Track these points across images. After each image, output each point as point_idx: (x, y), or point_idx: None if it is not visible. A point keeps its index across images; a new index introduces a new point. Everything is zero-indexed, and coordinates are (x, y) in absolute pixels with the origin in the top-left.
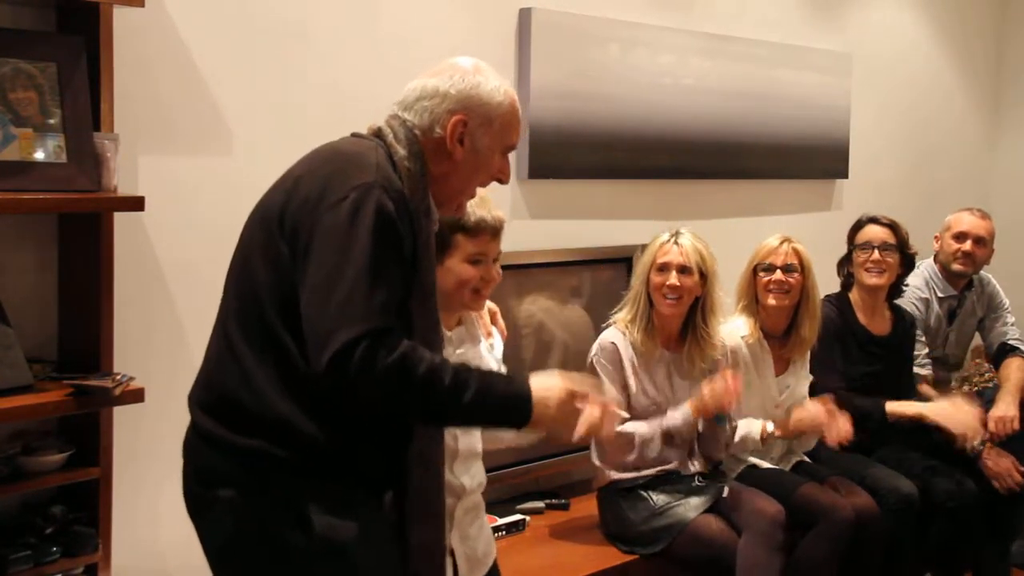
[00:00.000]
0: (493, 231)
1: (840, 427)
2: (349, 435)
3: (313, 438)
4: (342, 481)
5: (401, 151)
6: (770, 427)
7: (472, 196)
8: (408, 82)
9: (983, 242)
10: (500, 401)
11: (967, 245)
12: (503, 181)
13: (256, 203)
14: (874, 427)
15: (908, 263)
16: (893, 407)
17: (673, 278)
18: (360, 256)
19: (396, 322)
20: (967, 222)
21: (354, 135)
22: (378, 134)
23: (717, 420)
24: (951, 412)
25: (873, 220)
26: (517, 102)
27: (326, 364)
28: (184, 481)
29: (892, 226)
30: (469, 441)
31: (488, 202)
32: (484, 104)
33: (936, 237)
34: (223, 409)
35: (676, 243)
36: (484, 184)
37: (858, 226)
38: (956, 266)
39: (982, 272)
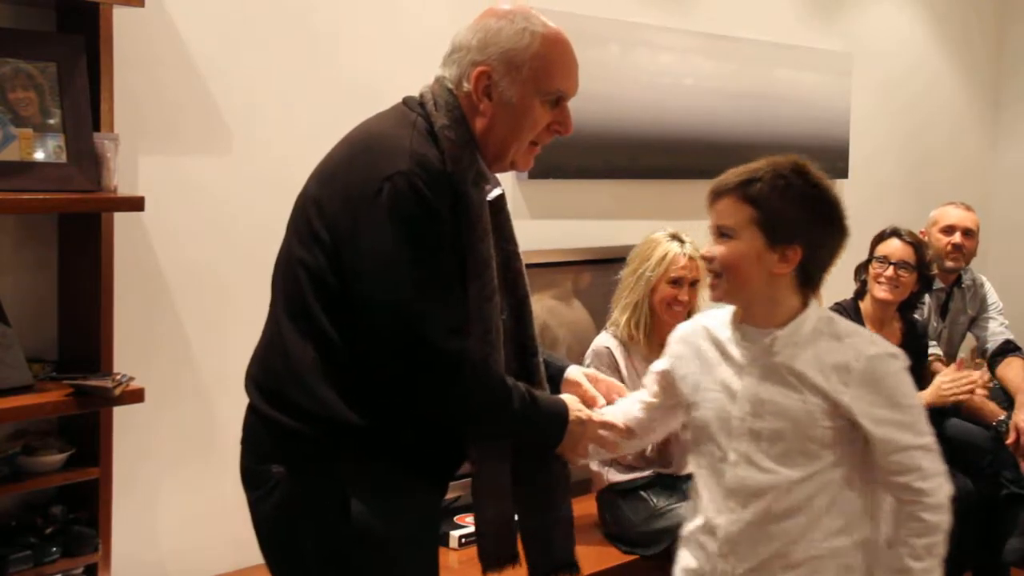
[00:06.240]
0: None
1: None
2: (390, 421)
3: (354, 425)
4: (383, 465)
5: (442, 119)
6: None
7: (522, 151)
8: (411, 79)
9: (971, 234)
10: (546, 420)
11: (956, 237)
12: (562, 132)
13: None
14: None
15: (925, 282)
16: None
17: (685, 293)
18: (413, 269)
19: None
20: (954, 215)
21: (403, 104)
22: (421, 102)
23: None
24: None
25: (896, 234)
26: (557, 41)
27: (424, 383)
28: (240, 457)
29: (915, 244)
30: None
31: None
32: (507, 50)
33: (922, 232)
34: (272, 391)
35: (687, 256)
36: (543, 140)
37: (881, 237)
38: (949, 262)
39: (977, 273)
